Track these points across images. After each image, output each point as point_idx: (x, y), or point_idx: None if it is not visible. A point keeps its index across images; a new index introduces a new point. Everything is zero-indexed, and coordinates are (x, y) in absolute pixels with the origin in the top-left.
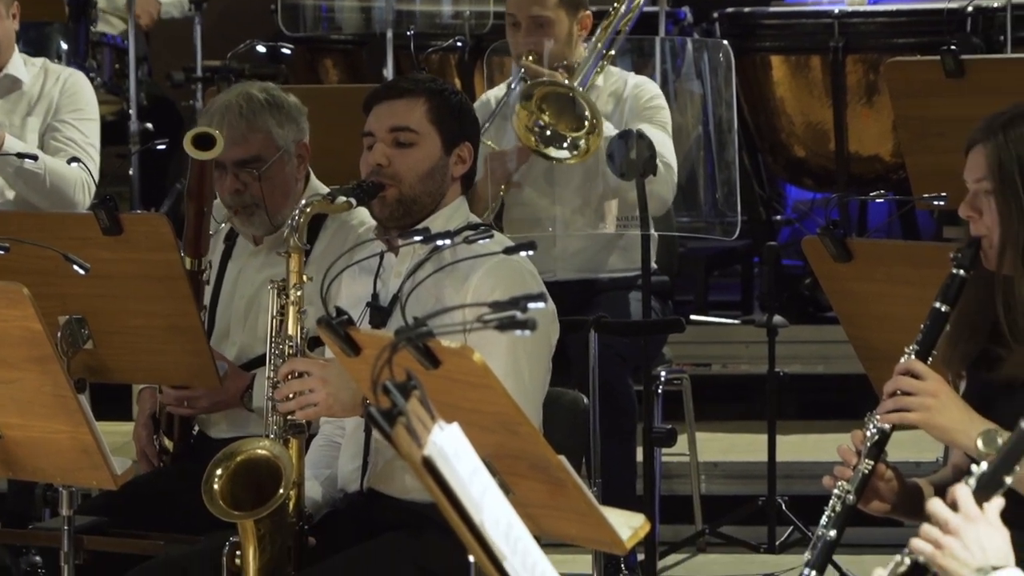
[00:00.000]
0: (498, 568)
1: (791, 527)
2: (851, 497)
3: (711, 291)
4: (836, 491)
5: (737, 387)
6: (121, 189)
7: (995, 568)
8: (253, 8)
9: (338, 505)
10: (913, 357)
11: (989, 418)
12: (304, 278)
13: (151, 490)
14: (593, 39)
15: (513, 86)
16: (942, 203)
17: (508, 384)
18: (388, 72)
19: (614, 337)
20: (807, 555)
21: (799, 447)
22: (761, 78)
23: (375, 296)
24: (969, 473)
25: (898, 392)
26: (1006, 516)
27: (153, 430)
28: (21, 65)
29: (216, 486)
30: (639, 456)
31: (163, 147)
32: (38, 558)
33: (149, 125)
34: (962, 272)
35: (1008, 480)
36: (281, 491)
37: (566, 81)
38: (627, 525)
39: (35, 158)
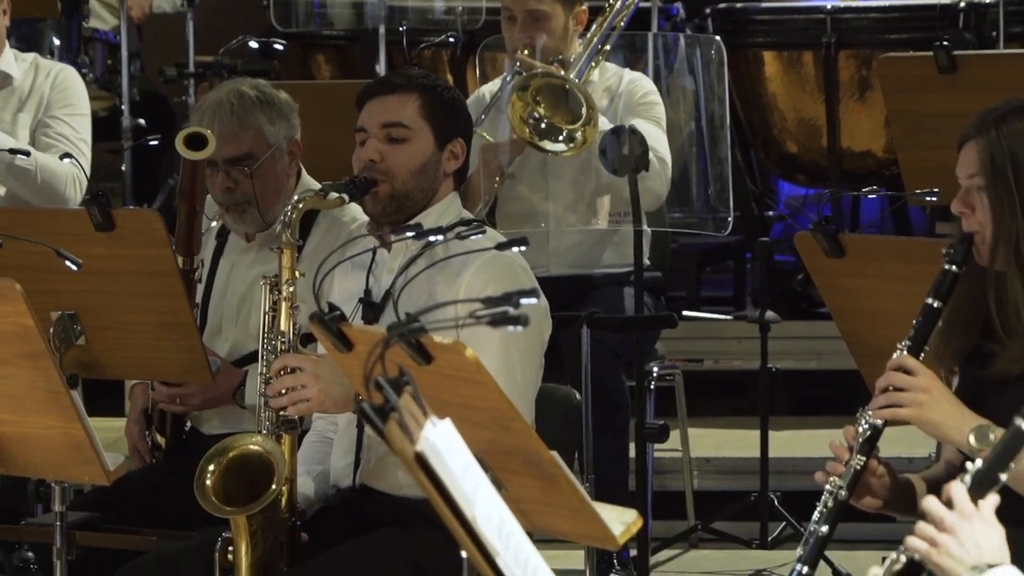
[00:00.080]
0: (491, 564)
1: (783, 523)
2: (843, 493)
3: (703, 287)
4: (828, 487)
5: (729, 383)
6: (113, 185)
7: (991, 566)
8: (245, 4)
9: (330, 501)
10: (905, 353)
11: (981, 414)
12: (296, 274)
13: (143, 486)
14: (588, 34)
15: (508, 80)
16: (934, 199)
17: (500, 380)
18: (380, 68)
19: (607, 333)
20: (799, 551)
21: (791, 443)
22: (753, 74)
23: (367, 292)
24: (964, 470)
25: (890, 388)
26: (1001, 513)
27: (145, 426)
28: (12, 60)
29: (208, 482)
30: (631, 452)
31: (155, 143)
32: (30, 554)
33: (141, 121)
34: (954, 268)
35: (1003, 477)
36: (274, 487)
37: (562, 73)
38: (619, 521)
39: (27, 154)
